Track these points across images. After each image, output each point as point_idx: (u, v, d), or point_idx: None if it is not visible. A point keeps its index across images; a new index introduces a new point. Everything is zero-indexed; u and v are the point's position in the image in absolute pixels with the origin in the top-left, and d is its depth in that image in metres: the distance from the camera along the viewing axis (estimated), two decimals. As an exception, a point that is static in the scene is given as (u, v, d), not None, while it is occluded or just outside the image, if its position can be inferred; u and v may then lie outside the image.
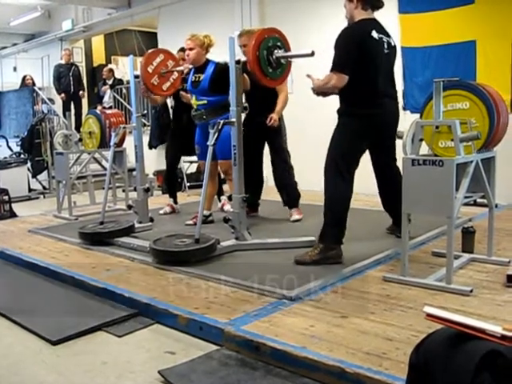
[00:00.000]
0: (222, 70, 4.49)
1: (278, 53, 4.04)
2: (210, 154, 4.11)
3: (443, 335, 1.35)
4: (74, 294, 3.61)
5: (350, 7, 3.79)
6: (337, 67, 3.65)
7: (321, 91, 3.79)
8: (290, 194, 5.18)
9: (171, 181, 6.18)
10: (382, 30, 3.81)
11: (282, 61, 4.10)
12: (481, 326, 1.28)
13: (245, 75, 4.33)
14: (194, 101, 4.94)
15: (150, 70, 5.03)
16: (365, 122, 3.72)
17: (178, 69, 5.22)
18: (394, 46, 3.94)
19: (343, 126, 3.79)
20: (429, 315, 1.39)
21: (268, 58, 4.01)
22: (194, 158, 6.51)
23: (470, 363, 1.21)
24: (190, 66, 5.03)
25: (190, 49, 4.87)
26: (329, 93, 3.79)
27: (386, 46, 3.80)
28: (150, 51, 5.28)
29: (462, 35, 5.99)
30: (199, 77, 4.89)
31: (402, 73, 6.58)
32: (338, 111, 3.85)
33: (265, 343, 2.53)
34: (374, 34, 3.70)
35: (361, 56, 3.62)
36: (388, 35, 3.87)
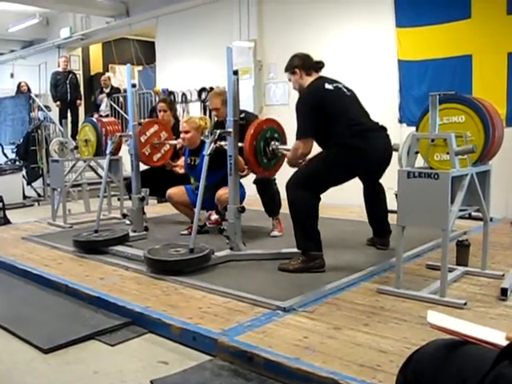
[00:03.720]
0: (215, 150, 4.36)
1: (275, 145, 4.11)
2: (206, 163, 4.10)
3: (431, 351, 1.33)
4: (67, 302, 3.58)
5: (295, 78, 3.97)
6: (300, 135, 3.76)
7: (293, 164, 3.93)
8: (273, 202, 5.09)
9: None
10: (332, 81, 3.93)
11: (277, 153, 4.16)
12: (489, 340, 1.26)
13: (241, 159, 4.32)
14: (193, 182, 5.02)
15: (142, 139, 5.14)
16: (350, 155, 3.70)
17: (171, 142, 5.33)
18: (352, 90, 4.01)
19: (328, 152, 3.81)
20: (432, 326, 1.38)
21: (264, 149, 4.09)
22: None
23: (481, 366, 1.18)
24: (182, 142, 5.10)
25: (186, 132, 4.91)
26: (302, 163, 3.92)
27: (344, 90, 3.92)
28: (145, 121, 5.40)
29: (458, 49, 6.04)
30: (195, 160, 4.96)
31: (398, 86, 6.63)
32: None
33: (258, 354, 2.52)
34: (328, 86, 3.83)
35: (323, 109, 3.72)
36: (340, 83, 3.96)
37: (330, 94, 3.80)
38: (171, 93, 9.79)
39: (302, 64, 3.93)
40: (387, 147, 3.94)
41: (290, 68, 3.97)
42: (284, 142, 4.23)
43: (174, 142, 5.36)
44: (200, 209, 4.15)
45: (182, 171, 5.24)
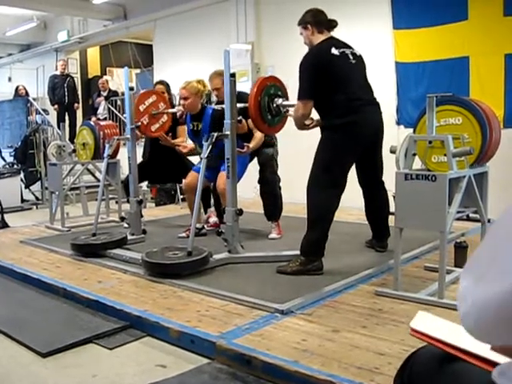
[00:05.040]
0: (219, 115, 4.46)
1: (279, 101, 4.12)
2: (204, 166, 4.11)
3: (428, 355, 1.32)
4: (65, 305, 3.58)
5: (307, 34, 3.94)
6: (301, 96, 3.77)
7: (299, 125, 3.90)
8: (275, 205, 5.10)
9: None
10: (341, 44, 3.90)
11: (281, 109, 4.16)
12: (469, 350, 1.24)
13: (243, 121, 4.31)
14: (198, 149, 4.97)
15: (141, 108, 5.13)
16: (346, 132, 3.72)
17: (170, 111, 5.30)
18: (360, 56, 4.00)
19: (325, 140, 3.83)
20: (413, 330, 1.36)
21: (269, 106, 4.08)
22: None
23: None
24: (182, 109, 5.06)
25: (185, 98, 4.85)
26: (310, 125, 3.92)
27: (350, 57, 3.89)
28: (143, 91, 5.40)
29: (455, 51, 6.05)
30: (197, 125, 4.90)
31: (395, 88, 6.64)
32: (321, 127, 3.90)
33: (256, 357, 2.51)
34: (334, 51, 3.79)
35: (326, 74, 3.71)
36: (350, 47, 3.95)
37: (334, 60, 3.77)
38: (169, 95, 9.79)
39: (315, 20, 3.90)
40: (378, 120, 3.97)
41: (303, 23, 3.94)
42: (286, 99, 4.22)
43: (174, 109, 5.34)
44: (198, 211, 4.15)
45: (185, 150, 5.21)
